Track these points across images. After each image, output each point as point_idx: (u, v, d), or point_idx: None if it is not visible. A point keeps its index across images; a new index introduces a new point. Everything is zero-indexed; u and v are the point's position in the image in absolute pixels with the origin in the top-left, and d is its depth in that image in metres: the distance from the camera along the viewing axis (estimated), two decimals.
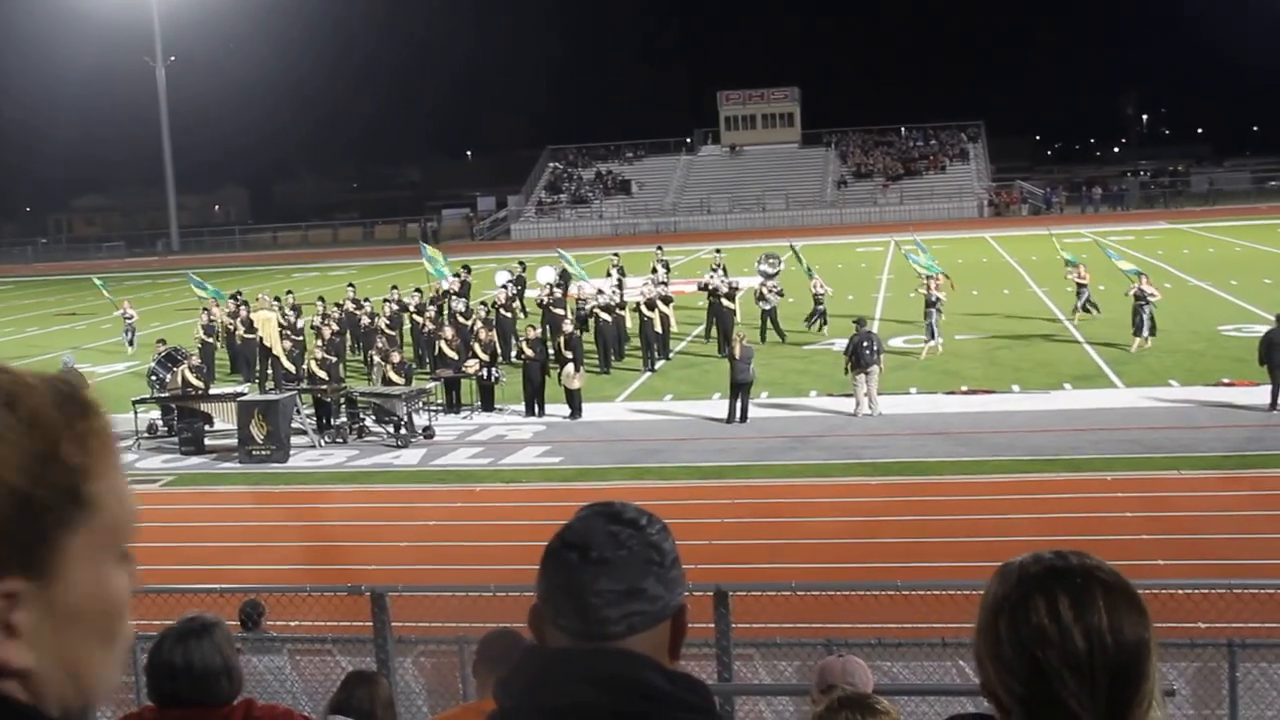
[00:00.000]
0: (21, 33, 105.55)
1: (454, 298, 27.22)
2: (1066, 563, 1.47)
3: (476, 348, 20.86)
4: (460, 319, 24.22)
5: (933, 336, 23.45)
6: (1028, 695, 1.43)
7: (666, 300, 25.02)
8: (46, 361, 25.53)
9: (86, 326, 35.79)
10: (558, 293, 26.57)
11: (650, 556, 1.47)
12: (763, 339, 25.41)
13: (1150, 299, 22.51)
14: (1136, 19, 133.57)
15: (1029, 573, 1.47)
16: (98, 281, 34.49)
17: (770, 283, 26.61)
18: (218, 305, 27.45)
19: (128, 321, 29.66)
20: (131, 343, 29.59)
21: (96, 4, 76.85)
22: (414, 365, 20.55)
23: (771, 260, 28.98)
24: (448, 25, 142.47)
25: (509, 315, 26.11)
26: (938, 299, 23.53)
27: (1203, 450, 15.73)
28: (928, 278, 24.39)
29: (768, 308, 26.07)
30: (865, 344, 18.63)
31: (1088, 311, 26.30)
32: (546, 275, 29.80)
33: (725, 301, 25.20)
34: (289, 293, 28.44)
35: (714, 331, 25.63)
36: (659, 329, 24.51)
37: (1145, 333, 22.53)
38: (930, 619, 7.91)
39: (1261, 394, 17.71)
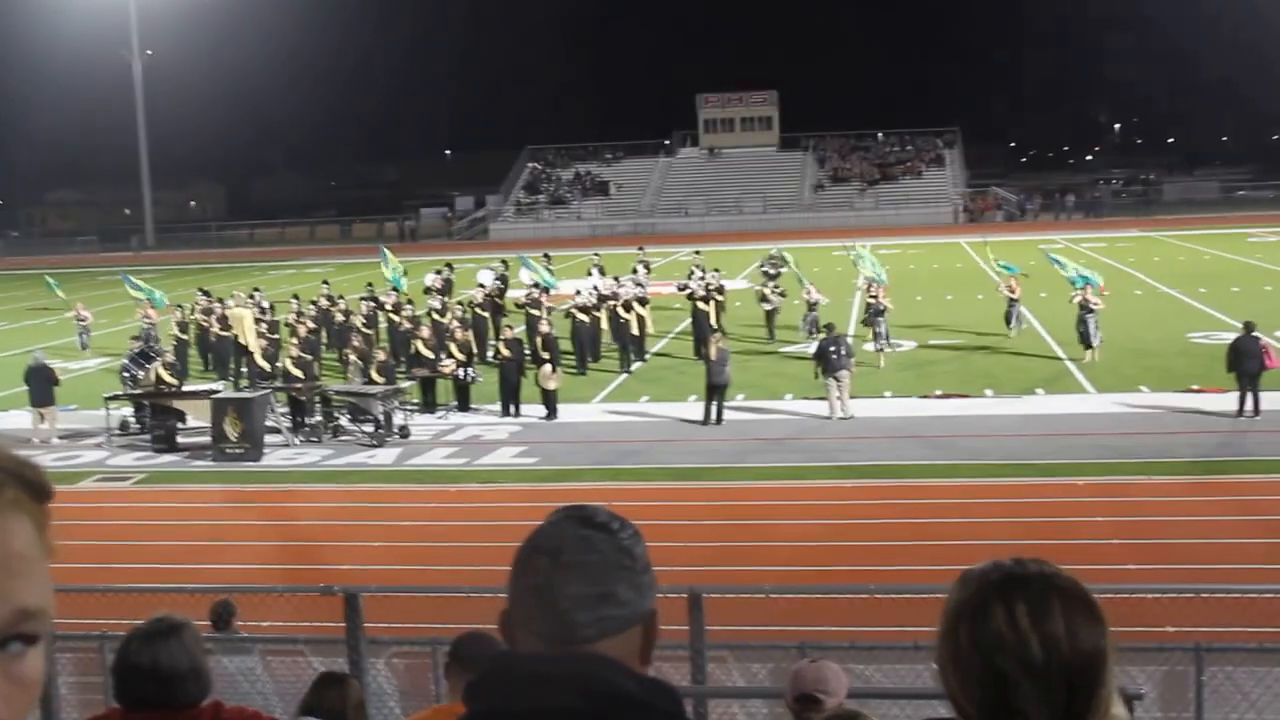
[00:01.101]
0: None
1: (434, 295, 27.14)
2: (1025, 570, 1.48)
3: (453, 347, 20.81)
4: (436, 316, 24.17)
5: (885, 342, 23.05)
6: (987, 701, 1.45)
7: (643, 301, 25.04)
8: (17, 358, 25.27)
9: (58, 322, 35.46)
10: (535, 293, 26.51)
11: (622, 561, 1.47)
12: (770, 338, 26.13)
13: (1094, 308, 22.00)
14: (1110, 30, 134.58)
15: (988, 580, 1.48)
16: (50, 281, 33.35)
17: (773, 284, 26.92)
18: (153, 308, 27.16)
19: (80, 323, 28.57)
20: (85, 345, 28.75)
21: None
22: (393, 364, 20.41)
23: (775, 262, 29.17)
24: (428, 24, 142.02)
25: (485, 315, 26.09)
26: (885, 307, 23.21)
27: (1173, 456, 15.87)
28: (876, 285, 24.09)
29: (770, 309, 26.50)
30: (833, 348, 18.72)
31: (1019, 325, 25.44)
32: (528, 275, 29.80)
33: (699, 304, 25.28)
34: (257, 290, 28.18)
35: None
36: (635, 331, 24.53)
37: (1094, 342, 22.12)
38: (903, 622, 7.95)
39: (1230, 400, 17.89)
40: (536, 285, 25.87)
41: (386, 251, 29.26)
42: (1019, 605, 1.44)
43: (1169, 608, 8.13)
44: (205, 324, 25.62)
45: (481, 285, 28.42)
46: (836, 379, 18.71)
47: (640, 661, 1.49)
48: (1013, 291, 25.40)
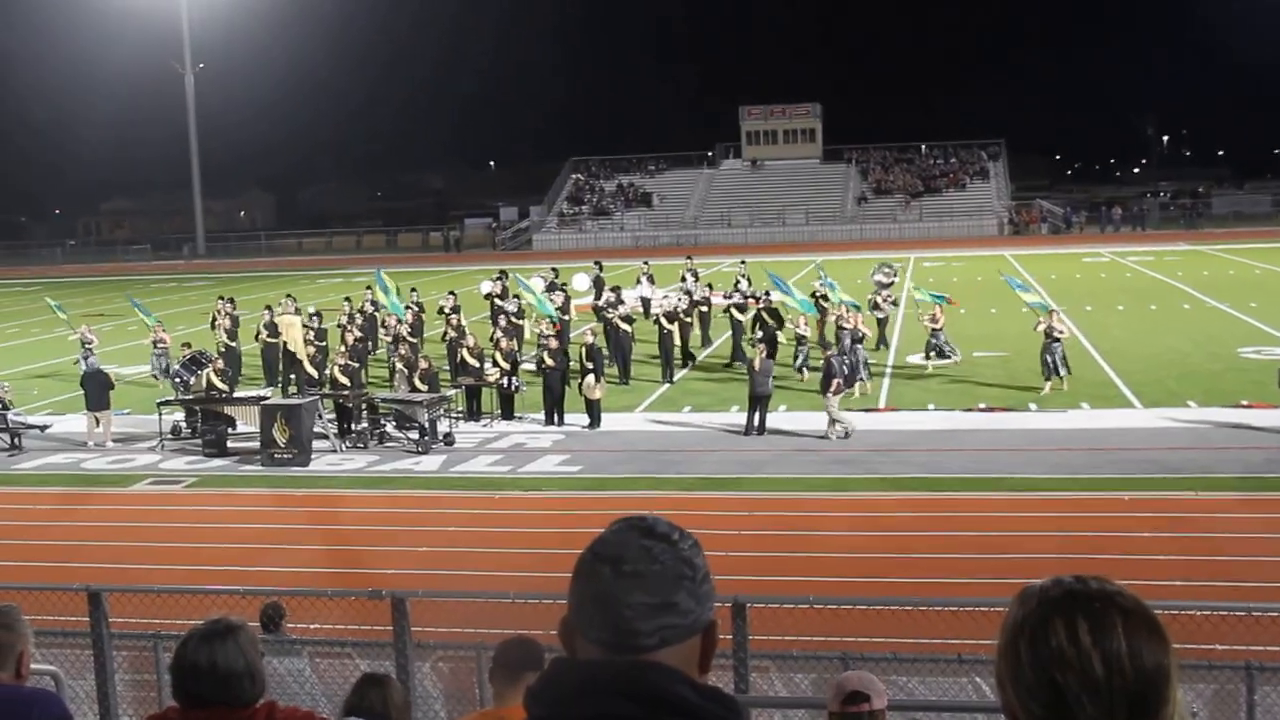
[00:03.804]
0: (54, 37, 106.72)
1: (510, 299, 27.75)
2: (1086, 587, 1.48)
3: (497, 356, 20.98)
4: (514, 319, 24.98)
5: (865, 371, 21.81)
6: (1047, 718, 1.44)
7: (690, 310, 25.23)
8: (72, 363, 25.76)
9: (114, 328, 36.10)
10: (611, 296, 26.80)
11: (682, 571, 1.50)
12: (878, 347, 25.92)
13: (1060, 337, 20.72)
14: (1159, 40, 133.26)
15: (1049, 596, 1.48)
16: (52, 303, 30.23)
17: (885, 292, 26.94)
18: (162, 330, 25.63)
19: (86, 346, 25.32)
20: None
21: (128, 9, 77.63)
22: (436, 371, 20.58)
23: (886, 270, 29.23)
24: (472, 36, 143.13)
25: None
26: (863, 334, 22.36)
27: (1221, 471, 15.69)
28: (850, 312, 22.94)
29: (882, 316, 26.50)
30: (834, 364, 18.53)
31: (945, 357, 23.50)
32: (581, 283, 30.09)
33: (736, 314, 25.43)
34: (289, 296, 28.11)
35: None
36: (679, 340, 24.66)
37: (1062, 372, 20.74)
38: (946, 635, 7.94)
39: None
40: (595, 289, 25.69)
41: (385, 278, 26.48)
42: (1080, 622, 1.44)
43: (1219, 626, 8.03)
44: (255, 331, 26.09)
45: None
46: (838, 395, 18.42)
47: (699, 671, 1.51)
48: (935, 321, 23.56)
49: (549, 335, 21.28)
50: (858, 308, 23.74)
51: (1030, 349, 22.74)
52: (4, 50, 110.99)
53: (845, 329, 22.42)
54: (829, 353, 19.12)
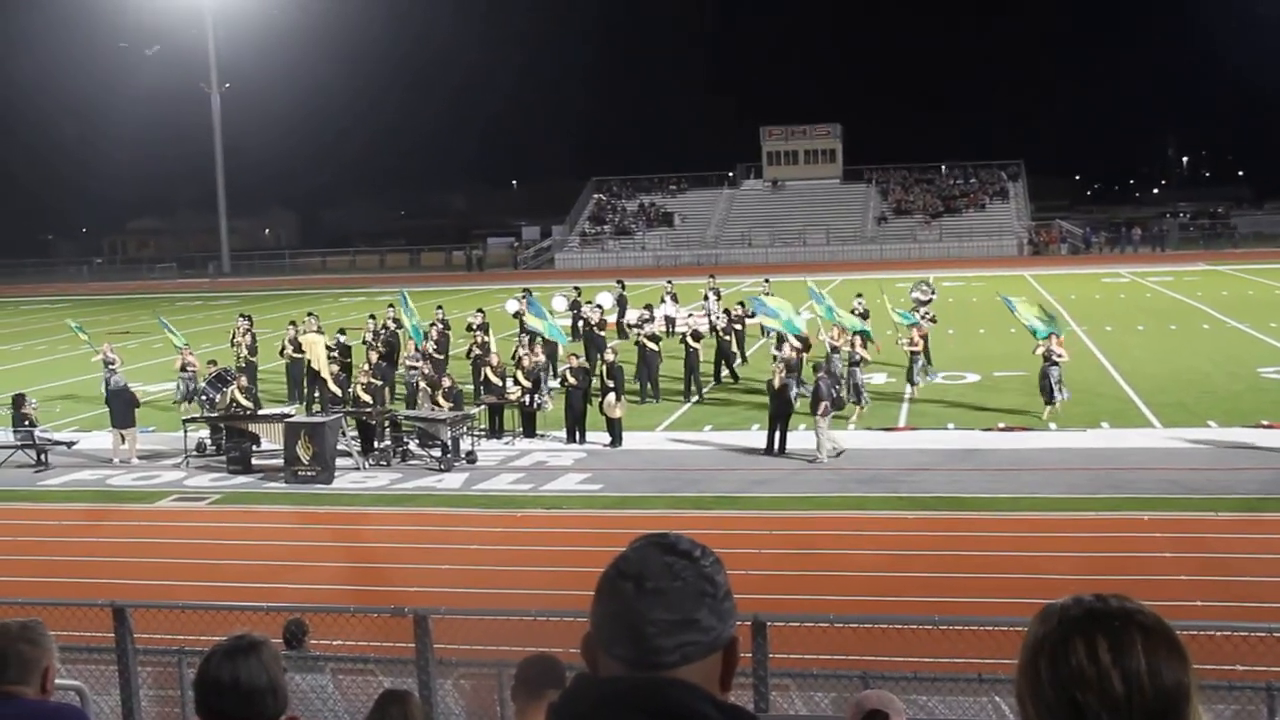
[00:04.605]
0: (83, 56, 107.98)
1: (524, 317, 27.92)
2: (1106, 606, 1.48)
3: (519, 374, 21.09)
4: (547, 336, 25.07)
5: (864, 394, 21.13)
6: None
7: (713, 329, 25.27)
8: (97, 383, 26.00)
9: (139, 345, 36.43)
10: (645, 314, 26.95)
11: (704, 588, 1.51)
12: (927, 361, 25.68)
13: (1059, 360, 20.19)
14: (1179, 62, 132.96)
15: (1069, 615, 1.48)
16: (73, 324, 29.68)
17: (924, 309, 27.06)
18: (190, 353, 24.41)
19: (108, 367, 24.06)
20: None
21: (155, 29, 78.59)
22: (460, 390, 20.67)
23: (924, 287, 29.28)
24: (494, 58, 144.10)
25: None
26: (861, 358, 21.50)
27: (1241, 492, 15.62)
28: (850, 334, 22.24)
29: (922, 334, 26.34)
30: (823, 386, 18.46)
31: (913, 382, 23.16)
32: (606, 300, 30.27)
33: (691, 341, 25.53)
34: (310, 314, 28.20)
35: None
36: (702, 359, 24.72)
37: (1061, 395, 20.10)
38: (967, 654, 7.94)
39: None
40: (619, 307, 25.61)
41: (408, 299, 26.41)
42: (1100, 640, 1.44)
43: (1239, 646, 8.00)
44: (279, 347, 26.36)
45: (555, 312, 29.21)
46: (825, 417, 18.30)
47: (721, 688, 1.54)
48: (913, 344, 23.06)
49: (575, 355, 21.45)
50: (866, 333, 23.00)
51: None
52: (33, 69, 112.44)
53: (836, 350, 21.90)
54: (818, 375, 19.06)
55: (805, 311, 26.19)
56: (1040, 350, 20.56)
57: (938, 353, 26.80)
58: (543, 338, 24.23)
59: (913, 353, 23.11)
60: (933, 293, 29.81)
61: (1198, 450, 18.13)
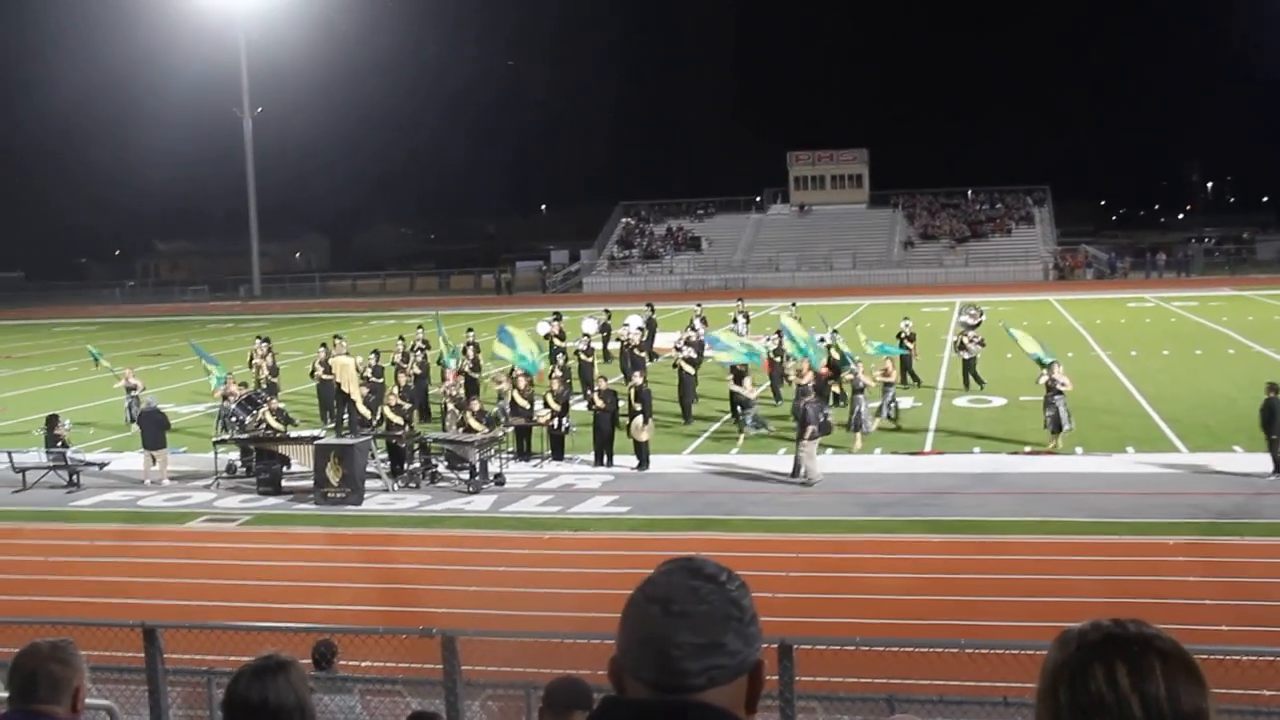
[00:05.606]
0: (118, 81, 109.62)
1: (583, 338, 28.87)
2: (1125, 631, 1.48)
3: (549, 397, 21.21)
4: (584, 356, 26.63)
5: (864, 422, 21.02)
6: None
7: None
8: (124, 406, 26.27)
9: (170, 368, 36.82)
10: (633, 337, 27.19)
11: (730, 612, 1.53)
12: (965, 386, 26.24)
13: (1062, 389, 19.85)
14: (1204, 88, 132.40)
15: (1088, 640, 1.48)
16: (92, 350, 29.58)
17: (972, 333, 27.19)
18: (235, 384, 22.99)
19: (130, 394, 24.81)
20: (133, 418, 23.88)
21: (189, 54, 79.80)
22: (490, 413, 20.79)
23: (973, 311, 29.30)
24: (523, 84, 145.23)
25: (589, 360, 27.41)
26: (865, 384, 21.34)
27: (1267, 516, 15.55)
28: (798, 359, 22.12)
29: (968, 357, 26.69)
30: (810, 411, 18.41)
31: (888, 413, 22.80)
32: (635, 321, 30.61)
33: (686, 366, 25.59)
34: (338, 336, 28.55)
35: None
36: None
37: (1067, 425, 19.88)
38: (993, 677, 7.94)
39: None
40: (647, 328, 25.75)
41: (440, 323, 26.37)
42: (1119, 666, 1.43)
43: (1265, 671, 7.98)
44: (310, 369, 26.68)
45: (586, 334, 29.43)
46: (810, 440, 18.31)
47: (746, 711, 1.55)
48: (887, 375, 22.77)
49: (604, 378, 21.68)
50: (889, 352, 23.40)
51: (1075, 393, 22.46)
52: (69, 94, 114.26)
53: (797, 381, 20.99)
54: (805, 399, 19.03)
55: (769, 339, 26.14)
56: (1044, 379, 20.27)
57: (983, 375, 26.88)
58: (580, 358, 24.48)
59: (885, 384, 22.81)
60: (981, 315, 29.77)
61: (1224, 475, 18.02)
